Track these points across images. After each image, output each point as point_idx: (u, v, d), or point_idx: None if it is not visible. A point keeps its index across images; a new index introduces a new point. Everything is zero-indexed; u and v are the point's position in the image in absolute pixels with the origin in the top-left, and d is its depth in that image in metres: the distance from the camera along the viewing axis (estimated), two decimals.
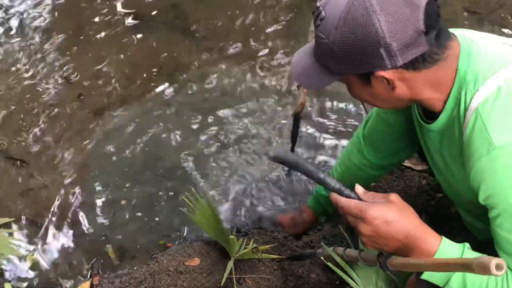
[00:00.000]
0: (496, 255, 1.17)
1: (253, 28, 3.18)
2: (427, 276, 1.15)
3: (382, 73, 1.12)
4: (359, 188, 1.18)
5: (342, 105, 2.72)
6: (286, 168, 2.44)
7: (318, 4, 1.17)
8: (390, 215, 1.11)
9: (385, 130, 1.66)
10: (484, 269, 0.79)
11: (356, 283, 1.57)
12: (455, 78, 1.17)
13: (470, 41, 1.19)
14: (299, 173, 2.39)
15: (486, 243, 1.24)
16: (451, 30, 1.20)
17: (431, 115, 1.28)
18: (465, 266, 0.83)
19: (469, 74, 1.15)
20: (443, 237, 1.14)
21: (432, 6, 1.08)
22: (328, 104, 2.73)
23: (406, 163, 2.33)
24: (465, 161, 1.17)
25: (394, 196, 1.14)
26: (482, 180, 1.12)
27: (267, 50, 3.04)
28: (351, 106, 2.69)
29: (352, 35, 1.09)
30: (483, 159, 1.11)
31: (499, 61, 1.16)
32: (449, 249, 1.12)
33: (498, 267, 0.78)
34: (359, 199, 1.16)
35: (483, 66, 1.15)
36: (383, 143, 1.72)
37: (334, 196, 1.19)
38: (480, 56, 1.16)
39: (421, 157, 2.00)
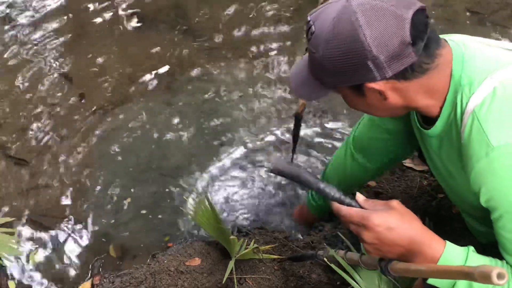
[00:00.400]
0: (498, 257, 1.17)
1: (255, 29, 3.17)
2: (433, 280, 1.14)
3: (372, 85, 1.13)
4: (359, 196, 1.19)
5: (343, 105, 2.71)
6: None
7: (309, 18, 1.19)
8: (392, 222, 1.11)
9: (383, 137, 1.66)
10: (485, 278, 0.79)
11: (359, 285, 1.57)
12: (450, 83, 1.17)
13: (462, 45, 1.19)
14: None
15: (488, 246, 1.24)
16: (442, 36, 1.20)
17: (429, 120, 1.28)
18: (466, 275, 0.83)
19: (463, 78, 1.15)
20: (447, 241, 1.14)
21: (419, 17, 1.08)
22: (329, 104, 2.73)
23: (407, 164, 2.33)
24: (464, 164, 1.17)
25: (395, 203, 1.14)
26: (482, 182, 1.12)
27: (269, 51, 3.04)
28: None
29: (339, 50, 1.10)
30: (482, 161, 1.11)
31: (493, 64, 1.16)
32: (453, 253, 1.12)
33: (500, 276, 0.78)
34: (360, 207, 1.16)
35: (477, 69, 1.15)
36: (379, 149, 1.72)
37: (336, 205, 1.19)
38: (473, 60, 1.17)
39: (421, 158, 2.00)
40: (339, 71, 1.14)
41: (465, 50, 1.18)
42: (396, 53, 1.07)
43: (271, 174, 2.37)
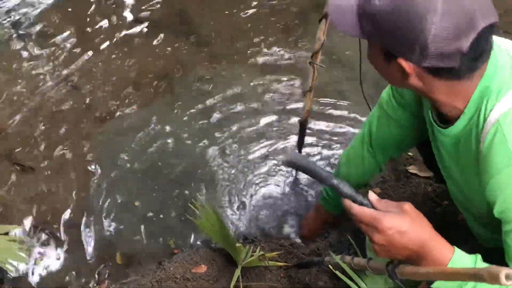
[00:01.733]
0: (503, 263, 1.17)
1: (259, 34, 3.19)
2: (438, 285, 1.14)
3: (403, 62, 1.10)
4: (372, 195, 1.18)
5: (347, 112, 2.73)
6: (294, 175, 2.45)
7: None
8: (404, 225, 1.11)
9: (394, 130, 1.65)
10: (494, 279, 0.79)
11: None
12: (477, 86, 1.14)
13: (498, 50, 1.16)
14: (305, 181, 2.43)
15: (492, 250, 1.24)
16: None
17: (443, 116, 1.26)
18: (475, 276, 0.84)
19: (494, 84, 1.13)
20: (456, 247, 1.14)
21: (487, 33, 1.05)
22: (334, 111, 2.75)
23: (412, 170, 2.33)
24: (481, 171, 1.17)
25: (407, 206, 1.14)
26: (500, 193, 1.12)
27: (272, 56, 3.06)
28: (356, 114, 2.72)
29: (401, 17, 1.06)
30: (503, 173, 1.10)
31: None
32: (462, 259, 1.12)
33: (508, 277, 0.79)
34: (372, 206, 1.16)
35: (508, 78, 1.13)
36: (391, 142, 1.71)
37: (348, 203, 1.18)
38: (505, 68, 1.14)
39: (427, 164, 2.01)
40: (384, 32, 1.10)
41: (500, 56, 1.16)
42: (445, 53, 1.04)
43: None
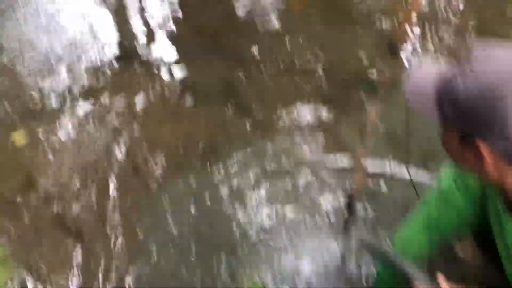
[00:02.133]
0: None
1: (304, 107, 3.25)
2: None
3: (481, 145, 1.11)
4: (442, 280, 1.17)
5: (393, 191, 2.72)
6: (343, 249, 2.45)
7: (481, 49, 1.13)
8: None
9: (453, 216, 1.65)
10: None
11: None
12: None
13: None
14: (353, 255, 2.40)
15: None
16: None
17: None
18: None
19: None
20: None
21: None
22: (379, 189, 2.75)
23: (459, 252, 2.29)
24: None
25: None
26: None
27: (318, 130, 3.09)
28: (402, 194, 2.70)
29: (483, 101, 1.06)
30: None
31: None
32: None
33: None
34: None
35: None
36: (448, 228, 1.69)
37: (418, 286, 1.17)
38: None
39: (476, 244, 1.97)
40: (467, 114, 1.10)
41: None
42: None
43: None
